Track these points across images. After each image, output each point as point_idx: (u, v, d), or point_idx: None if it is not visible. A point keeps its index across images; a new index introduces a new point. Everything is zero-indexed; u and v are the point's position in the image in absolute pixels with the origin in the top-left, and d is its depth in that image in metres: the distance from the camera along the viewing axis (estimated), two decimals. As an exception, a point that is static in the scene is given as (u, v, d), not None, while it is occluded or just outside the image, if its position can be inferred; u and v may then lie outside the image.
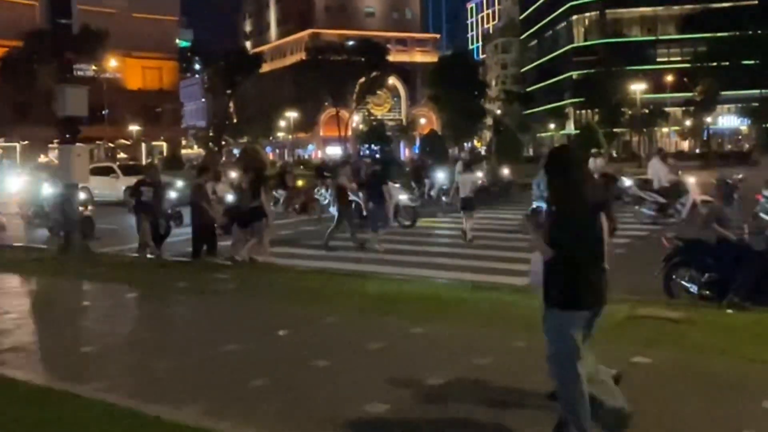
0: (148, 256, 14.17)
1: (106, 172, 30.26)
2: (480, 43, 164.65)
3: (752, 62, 65.14)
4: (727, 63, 66.08)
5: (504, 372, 6.19)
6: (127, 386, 6.15)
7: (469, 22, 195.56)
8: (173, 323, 8.96)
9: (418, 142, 76.49)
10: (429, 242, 16.96)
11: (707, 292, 9.02)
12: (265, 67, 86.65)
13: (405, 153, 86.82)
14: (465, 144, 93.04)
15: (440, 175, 28.32)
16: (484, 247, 15.38)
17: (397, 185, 20.03)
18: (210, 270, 12.25)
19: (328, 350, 7.01)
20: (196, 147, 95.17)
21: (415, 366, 6.45)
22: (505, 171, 31.14)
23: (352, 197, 17.44)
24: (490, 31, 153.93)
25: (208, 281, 11.24)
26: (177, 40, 79.14)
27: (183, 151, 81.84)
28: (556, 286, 4.49)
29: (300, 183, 27.05)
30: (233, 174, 18.70)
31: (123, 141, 65.49)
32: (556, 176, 4.44)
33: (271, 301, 9.64)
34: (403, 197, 19.38)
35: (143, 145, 67.72)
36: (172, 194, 19.94)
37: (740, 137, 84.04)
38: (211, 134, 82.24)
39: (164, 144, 70.94)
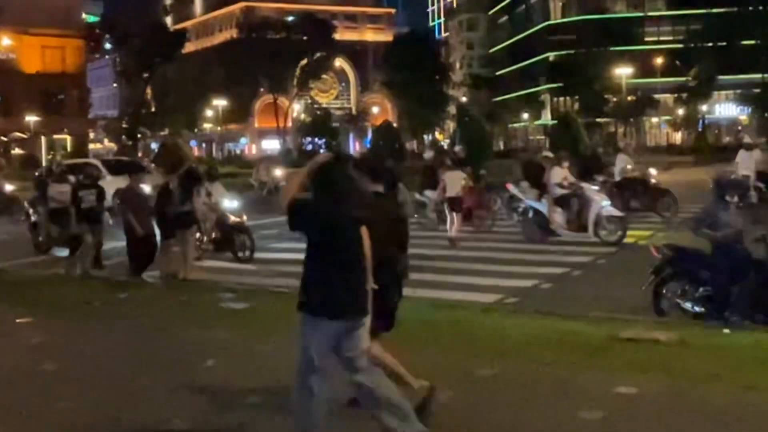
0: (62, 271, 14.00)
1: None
2: (442, 19, 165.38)
3: (753, 42, 66.37)
4: (725, 43, 67.33)
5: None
6: (18, 432, 6.01)
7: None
8: (76, 354, 8.74)
9: (369, 135, 76.52)
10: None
11: (702, 309, 9.12)
12: (189, 47, 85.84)
13: (355, 147, 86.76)
14: (424, 136, 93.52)
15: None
16: (473, 260, 14.86)
17: (595, 187, 17.99)
18: (124, 289, 12.06)
19: (261, 383, 6.96)
20: (106, 141, 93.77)
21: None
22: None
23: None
24: (454, 5, 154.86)
25: (120, 303, 11.08)
26: (83, 15, 78.01)
27: (91, 146, 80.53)
28: (303, 289, 5.26)
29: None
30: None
31: (18, 134, 64.31)
32: (320, 187, 5.30)
33: (195, 325, 9.53)
34: (606, 203, 17.03)
35: (43, 138, 66.60)
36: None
37: (740, 128, 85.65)
38: (124, 126, 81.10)
39: (68, 138, 69.85)
